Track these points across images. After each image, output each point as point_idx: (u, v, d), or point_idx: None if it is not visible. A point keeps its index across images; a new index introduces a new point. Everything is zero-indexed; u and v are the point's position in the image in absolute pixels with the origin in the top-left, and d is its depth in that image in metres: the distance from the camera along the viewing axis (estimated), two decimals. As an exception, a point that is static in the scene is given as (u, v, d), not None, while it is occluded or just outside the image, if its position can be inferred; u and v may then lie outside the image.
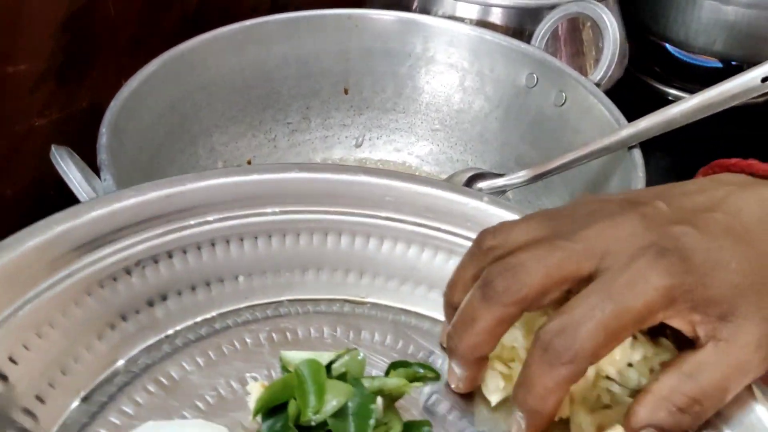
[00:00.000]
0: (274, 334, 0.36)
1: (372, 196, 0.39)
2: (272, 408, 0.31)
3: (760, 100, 0.80)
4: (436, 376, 0.34)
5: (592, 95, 0.58)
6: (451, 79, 0.67)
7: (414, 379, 0.34)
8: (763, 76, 0.50)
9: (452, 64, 0.66)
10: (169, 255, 0.37)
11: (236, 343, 0.36)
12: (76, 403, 0.32)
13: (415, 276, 0.39)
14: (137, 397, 0.33)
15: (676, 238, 0.30)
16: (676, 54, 0.90)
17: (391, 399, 0.32)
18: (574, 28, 0.67)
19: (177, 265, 0.37)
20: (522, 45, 0.63)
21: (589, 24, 0.67)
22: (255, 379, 0.34)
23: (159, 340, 0.36)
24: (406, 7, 0.70)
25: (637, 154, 0.52)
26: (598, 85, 0.59)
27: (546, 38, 0.63)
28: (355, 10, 0.66)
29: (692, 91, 0.86)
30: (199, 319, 0.37)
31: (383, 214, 0.40)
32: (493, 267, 0.31)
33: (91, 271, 0.35)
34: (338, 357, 0.33)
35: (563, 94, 0.60)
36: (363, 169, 0.41)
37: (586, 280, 0.30)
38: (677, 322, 0.30)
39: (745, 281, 0.30)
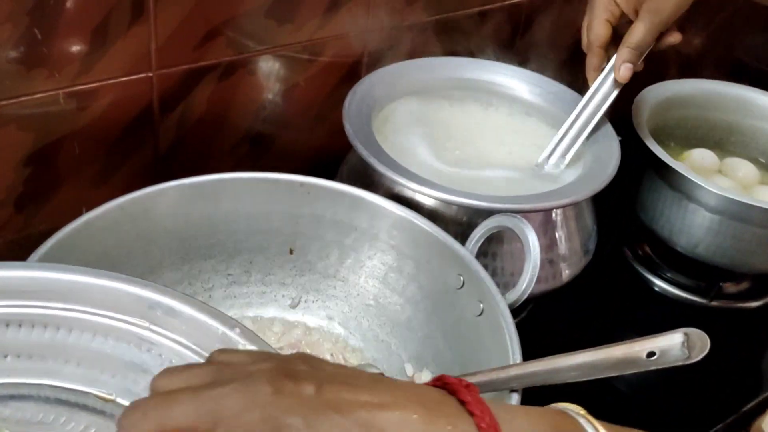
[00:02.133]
0: (17, 413, 0.39)
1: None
2: None
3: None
4: None
5: (501, 318, 0.57)
6: (391, 259, 0.67)
7: None
8: (649, 350, 0.48)
9: (393, 245, 0.67)
10: None
11: None
12: None
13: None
14: None
15: (279, 427, 0.30)
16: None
17: None
18: (513, 236, 0.66)
19: None
20: (456, 245, 0.63)
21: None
22: None
23: None
24: (373, 184, 0.71)
25: (515, 399, 0.51)
26: (511, 306, 0.59)
27: (479, 243, 0.63)
28: (308, 179, 0.68)
29: (679, 285, 0.87)
30: None
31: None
32: (132, 403, 0.33)
33: None
34: None
35: (481, 305, 0.60)
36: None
37: None
38: None
39: None
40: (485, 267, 0.63)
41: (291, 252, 0.70)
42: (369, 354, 0.67)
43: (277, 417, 0.30)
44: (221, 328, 0.44)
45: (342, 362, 0.66)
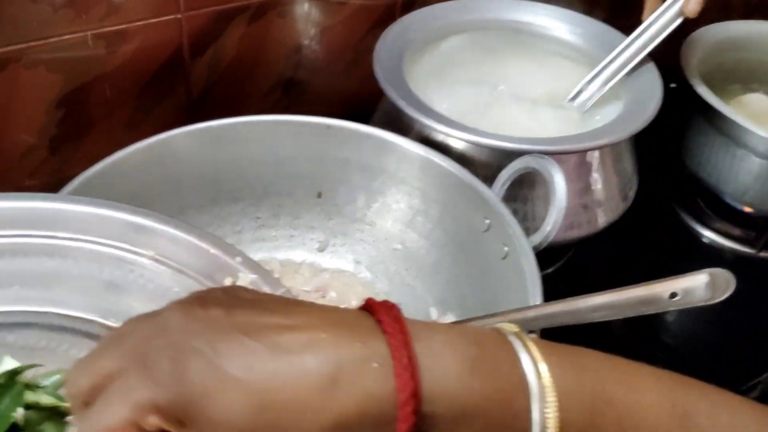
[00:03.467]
0: (21, 339, 0.40)
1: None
2: None
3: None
4: None
5: (525, 260, 0.56)
6: (417, 203, 0.66)
7: None
8: (671, 291, 0.47)
9: (420, 188, 0.66)
10: None
11: None
12: None
13: None
14: None
15: (183, 351, 0.30)
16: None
17: (59, 414, 0.37)
18: (542, 179, 0.64)
19: None
20: (481, 187, 0.62)
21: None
22: None
23: None
24: (405, 128, 0.70)
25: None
26: (536, 249, 0.57)
27: (507, 185, 0.62)
28: (335, 121, 0.67)
29: (725, 235, 0.83)
30: None
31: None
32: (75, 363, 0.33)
33: None
34: (24, 369, 0.38)
35: (505, 248, 0.59)
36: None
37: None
38: (170, 429, 0.30)
39: (228, 422, 0.29)
40: (515, 212, 0.62)
41: (319, 195, 0.69)
42: (395, 298, 0.67)
43: (182, 341, 0.30)
44: (223, 257, 0.44)
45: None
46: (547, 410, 0.32)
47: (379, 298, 0.66)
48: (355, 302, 0.66)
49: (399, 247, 0.68)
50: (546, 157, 0.59)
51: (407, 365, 0.30)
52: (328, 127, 0.67)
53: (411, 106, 0.67)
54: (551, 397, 0.32)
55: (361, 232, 0.69)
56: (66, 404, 0.37)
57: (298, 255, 0.70)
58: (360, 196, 0.69)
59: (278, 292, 0.45)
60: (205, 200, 0.67)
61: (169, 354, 0.30)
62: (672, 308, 0.47)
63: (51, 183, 0.68)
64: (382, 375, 0.30)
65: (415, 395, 0.30)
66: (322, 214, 0.70)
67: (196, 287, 0.44)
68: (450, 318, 0.62)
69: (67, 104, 0.66)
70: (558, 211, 0.57)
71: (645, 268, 0.80)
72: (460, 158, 0.66)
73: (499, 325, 0.35)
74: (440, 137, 0.68)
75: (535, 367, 0.32)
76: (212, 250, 0.45)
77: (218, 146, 0.66)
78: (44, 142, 0.66)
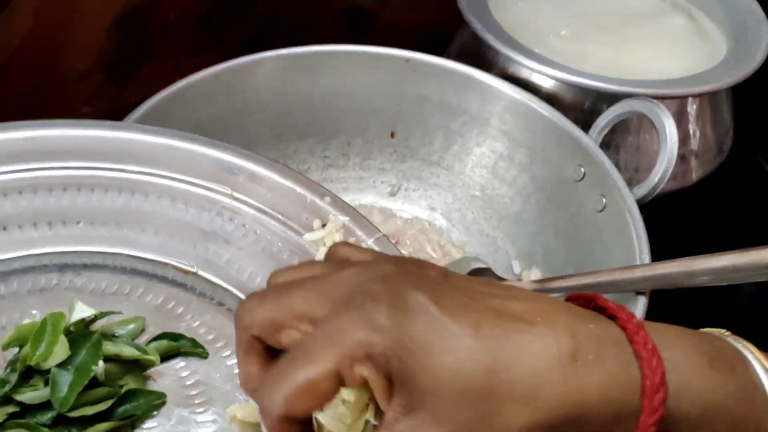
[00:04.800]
0: (91, 283, 0.37)
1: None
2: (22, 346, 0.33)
3: None
4: (203, 355, 0.35)
5: (628, 213, 0.51)
6: (501, 147, 0.61)
7: (176, 352, 0.35)
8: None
9: (506, 131, 0.61)
10: (19, 191, 0.38)
11: (45, 282, 0.36)
12: None
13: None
14: None
15: (403, 298, 0.26)
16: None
17: (140, 366, 0.34)
18: (645, 127, 0.59)
19: (23, 202, 0.38)
20: (577, 132, 0.56)
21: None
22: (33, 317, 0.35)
23: None
24: (486, 63, 0.64)
25: (642, 302, 0.46)
26: (640, 202, 0.52)
27: (605, 131, 0.56)
28: (414, 54, 0.61)
29: None
30: (32, 252, 0.37)
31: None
32: (247, 296, 0.30)
33: None
34: (101, 316, 0.35)
35: (604, 200, 0.54)
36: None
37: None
38: (375, 385, 0.26)
39: (453, 381, 0.25)
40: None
41: (392, 135, 0.64)
42: (472, 248, 0.62)
43: (402, 289, 0.26)
44: (310, 196, 0.39)
45: (443, 256, 0.62)
46: None
47: (456, 248, 0.63)
48: (432, 253, 0.61)
49: (478, 194, 0.63)
50: (654, 101, 0.53)
51: (652, 350, 0.26)
52: (407, 60, 0.62)
53: (497, 38, 0.62)
54: None
55: (436, 177, 0.64)
56: (149, 357, 0.33)
57: (367, 199, 0.65)
58: (437, 138, 0.63)
59: (372, 239, 0.40)
60: (270, 136, 0.63)
61: (388, 299, 0.26)
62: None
63: (109, 111, 0.64)
64: (624, 359, 0.26)
65: (664, 383, 0.26)
66: (395, 155, 0.65)
67: (280, 229, 0.40)
68: (536, 273, 0.57)
69: (126, 25, 0.61)
70: (668, 162, 0.51)
71: (736, 228, 0.74)
72: (548, 99, 0.60)
73: (708, 330, 0.31)
74: (527, 74, 0.63)
75: (764, 368, 0.28)
76: (298, 189, 0.41)
77: (288, 77, 0.61)
78: (101, 66, 0.62)
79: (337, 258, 0.31)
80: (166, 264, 0.39)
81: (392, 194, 0.65)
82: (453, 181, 0.64)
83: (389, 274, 0.27)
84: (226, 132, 0.60)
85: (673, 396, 0.26)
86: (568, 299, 0.30)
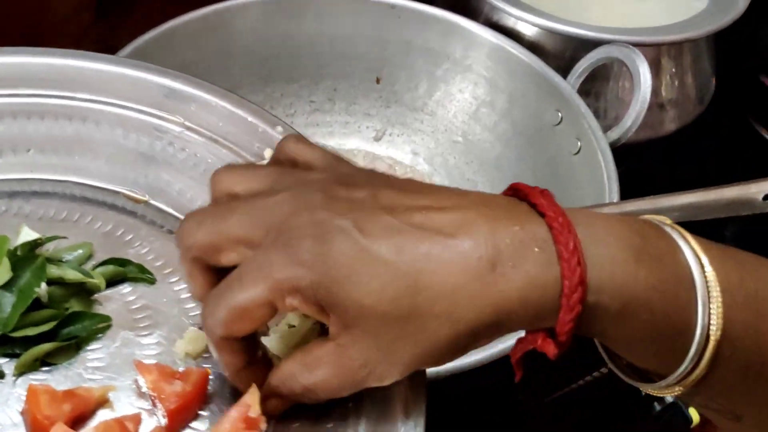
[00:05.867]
0: (39, 210, 0.37)
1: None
2: None
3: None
4: (150, 281, 0.35)
5: (601, 156, 0.52)
6: (483, 93, 0.63)
7: (123, 277, 0.35)
8: (766, 193, 0.43)
9: (487, 78, 0.62)
10: None
11: None
12: None
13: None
14: None
15: (327, 229, 0.27)
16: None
17: (85, 291, 0.35)
18: (625, 76, 0.60)
19: None
20: (556, 78, 0.58)
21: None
22: None
23: None
24: (471, 10, 0.65)
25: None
26: (613, 145, 0.53)
27: (583, 77, 0.57)
28: (400, 0, 0.62)
29: None
30: None
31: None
32: (189, 213, 0.31)
33: None
34: (47, 241, 0.35)
35: (578, 143, 0.55)
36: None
37: (258, 247, 0.29)
38: (308, 311, 0.28)
39: (377, 306, 0.27)
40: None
41: (377, 81, 0.66)
42: (453, 192, 0.64)
43: (326, 219, 0.28)
44: (261, 126, 0.40)
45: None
46: (712, 305, 0.29)
47: (437, 191, 0.64)
48: (412, 193, 0.63)
49: (460, 139, 0.64)
50: (631, 47, 0.54)
51: (573, 250, 0.27)
52: (392, 6, 0.63)
53: (481, -14, 0.63)
54: (715, 292, 0.29)
55: (420, 122, 0.66)
56: (93, 280, 0.35)
57: (352, 143, 0.67)
58: (421, 84, 0.65)
59: None
60: (256, 79, 0.64)
61: (312, 232, 0.27)
62: (766, 210, 0.44)
63: (98, 51, 0.65)
64: (545, 260, 0.27)
65: (582, 282, 0.27)
66: (380, 100, 0.66)
67: (232, 158, 0.40)
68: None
69: (115, -33, 0.62)
70: (641, 106, 0.53)
71: (716, 179, 0.75)
72: (530, 47, 0.61)
73: (649, 216, 0.31)
74: (511, 23, 0.63)
75: (697, 259, 0.29)
76: (250, 118, 0.40)
77: (273, 21, 0.62)
78: (89, 7, 0.63)
79: (284, 158, 0.33)
80: (117, 192, 0.38)
81: (377, 139, 0.67)
82: (436, 127, 0.65)
83: (315, 203, 0.28)
84: (211, 75, 0.60)
85: (593, 291, 0.27)
86: (506, 192, 0.31)
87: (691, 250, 0.29)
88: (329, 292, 0.27)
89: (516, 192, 0.30)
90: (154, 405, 0.31)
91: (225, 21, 0.60)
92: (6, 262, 0.33)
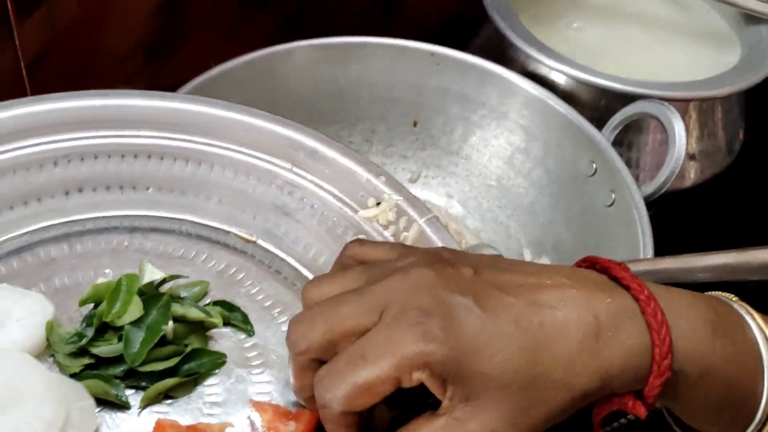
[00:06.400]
0: (159, 246, 0.39)
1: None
2: (98, 302, 0.36)
3: None
4: (249, 333, 0.37)
5: (635, 210, 0.54)
6: (518, 140, 0.64)
7: (228, 322, 0.38)
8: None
9: (523, 125, 0.64)
10: (95, 156, 0.40)
11: (117, 243, 0.39)
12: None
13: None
14: (12, 263, 0.38)
15: (451, 307, 0.29)
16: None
17: (203, 328, 0.37)
18: (658, 128, 0.61)
19: (98, 166, 0.40)
20: (591, 129, 0.59)
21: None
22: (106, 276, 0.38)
23: (63, 222, 0.40)
24: (507, 59, 0.67)
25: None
26: (647, 199, 0.55)
27: (618, 129, 0.59)
28: (438, 48, 0.64)
29: None
30: (104, 214, 0.40)
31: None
32: (293, 319, 0.32)
33: (21, 154, 0.40)
34: (171, 279, 0.38)
35: (613, 195, 0.57)
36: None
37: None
38: (431, 385, 0.30)
39: (502, 377, 0.29)
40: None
41: (414, 124, 0.67)
42: (486, 236, 0.65)
43: (447, 297, 0.30)
44: (366, 175, 0.42)
45: (458, 242, 0.65)
46: None
47: (471, 234, 0.66)
48: (447, 237, 0.64)
49: (494, 183, 0.66)
50: (665, 104, 0.56)
51: (661, 320, 0.30)
52: (431, 54, 0.65)
53: (518, 35, 0.65)
54: None
55: (455, 166, 0.67)
56: (213, 320, 0.37)
57: (388, 183, 0.68)
58: (457, 128, 0.66)
59: (423, 219, 0.42)
60: (299, 120, 0.65)
61: (438, 309, 0.29)
62: (800, 276, 0.45)
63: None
64: (638, 330, 0.30)
65: (671, 350, 0.30)
66: (417, 143, 0.68)
67: (336, 205, 0.42)
68: (545, 261, 0.60)
69: (168, 11, 0.64)
70: (675, 162, 0.54)
71: (745, 228, 0.76)
72: (565, 96, 0.63)
73: (717, 293, 0.34)
74: (545, 72, 0.65)
75: (763, 334, 0.32)
76: (356, 168, 0.42)
77: (317, 66, 0.64)
78: (141, 49, 0.65)
79: (362, 260, 0.34)
80: (228, 232, 0.41)
81: (412, 181, 0.68)
82: (470, 171, 0.67)
83: (430, 282, 0.30)
84: (257, 116, 0.63)
85: (678, 360, 0.30)
86: (580, 263, 0.34)
87: (758, 326, 0.32)
88: (459, 365, 0.29)
89: (593, 264, 0.33)
90: None
91: (271, 65, 0.62)
92: (138, 300, 0.35)
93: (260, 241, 0.41)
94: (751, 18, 0.69)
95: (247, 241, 0.41)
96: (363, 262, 0.34)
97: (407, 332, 0.29)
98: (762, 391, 0.32)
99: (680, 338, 0.31)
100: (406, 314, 0.29)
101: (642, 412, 0.31)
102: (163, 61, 0.67)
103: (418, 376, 0.29)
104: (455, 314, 0.29)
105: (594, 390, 0.30)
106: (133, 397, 0.34)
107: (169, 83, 0.68)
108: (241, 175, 0.42)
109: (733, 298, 0.34)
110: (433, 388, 0.29)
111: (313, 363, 0.31)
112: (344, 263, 0.35)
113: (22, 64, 0.61)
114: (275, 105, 0.64)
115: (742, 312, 0.33)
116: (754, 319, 0.33)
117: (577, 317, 0.30)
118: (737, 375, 0.32)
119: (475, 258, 0.33)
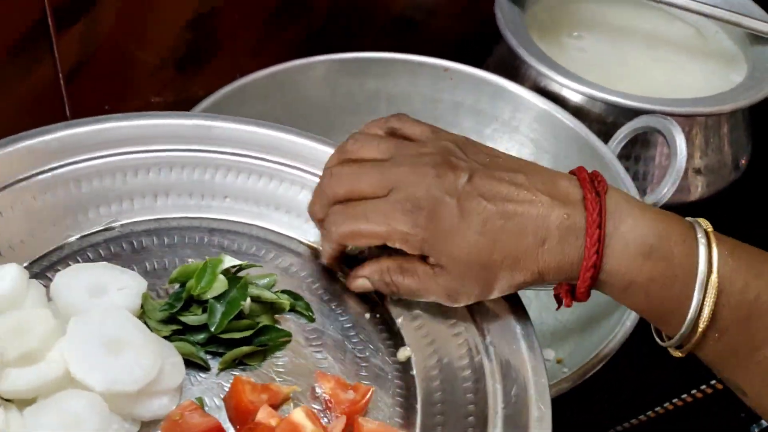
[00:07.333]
0: (233, 244, 0.46)
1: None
2: (183, 282, 0.42)
3: None
4: (311, 319, 0.44)
5: (636, 218, 0.56)
6: (528, 152, 0.67)
7: (293, 308, 0.44)
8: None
9: (533, 139, 0.66)
10: (182, 167, 0.48)
11: (198, 239, 0.46)
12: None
13: None
14: (111, 248, 0.45)
15: (438, 203, 0.39)
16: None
17: (273, 309, 0.43)
18: (660, 140, 0.64)
19: (183, 176, 0.48)
20: (597, 143, 0.62)
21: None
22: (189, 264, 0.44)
23: (152, 219, 0.47)
24: (520, 75, 0.70)
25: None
26: (648, 209, 0.57)
27: (623, 143, 0.61)
28: (453, 64, 0.67)
29: None
30: (187, 215, 0.47)
31: None
32: (332, 170, 0.43)
33: (121, 159, 0.47)
34: (247, 267, 0.44)
35: (617, 206, 0.59)
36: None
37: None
38: (410, 252, 0.40)
39: (463, 257, 0.39)
40: (626, 170, 0.61)
41: (429, 137, 0.70)
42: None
43: (437, 195, 0.39)
44: None
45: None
46: (706, 303, 0.38)
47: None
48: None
49: (504, 194, 0.68)
50: (669, 118, 0.58)
51: (595, 243, 0.38)
52: (446, 69, 0.68)
53: (530, 54, 0.67)
54: (711, 294, 0.37)
55: (467, 177, 0.70)
56: (283, 301, 0.43)
57: (403, 193, 0.71)
58: (470, 141, 0.69)
59: None
60: (319, 130, 0.68)
61: (428, 205, 0.39)
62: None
63: (175, 102, 0.71)
64: (577, 246, 0.39)
65: (595, 267, 0.38)
66: (431, 155, 0.71)
67: None
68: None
69: (197, 26, 0.68)
70: (677, 174, 0.56)
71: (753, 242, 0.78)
72: (575, 112, 0.66)
73: (692, 219, 0.40)
74: (556, 88, 0.68)
75: (709, 265, 0.38)
76: None
77: (336, 79, 0.67)
78: (172, 62, 0.69)
79: (402, 134, 0.44)
80: (292, 238, 0.47)
81: (426, 190, 0.71)
82: (482, 182, 0.69)
83: (430, 180, 0.39)
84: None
85: (606, 272, 0.39)
86: (573, 171, 0.41)
87: (707, 258, 0.38)
88: (433, 247, 0.39)
89: (580, 174, 0.41)
90: (327, 408, 0.39)
91: (292, 78, 0.66)
92: (222, 278, 0.42)
93: (319, 247, 0.46)
94: (757, 38, 0.71)
95: (309, 246, 0.47)
96: (401, 136, 0.43)
97: (401, 214, 0.39)
98: (688, 307, 0.38)
99: (611, 257, 0.38)
100: (405, 201, 0.39)
101: (568, 302, 0.41)
102: (192, 73, 0.71)
103: (399, 245, 0.40)
104: (439, 209, 0.39)
105: (531, 280, 0.40)
106: (212, 362, 0.41)
107: (198, 94, 0.72)
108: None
109: (708, 229, 0.39)
110: (411, 253, 0.40)
111: (330, 202, 0.42)
112: (388, 126, 0.45)
113: (60, 74, 0.65)
114: (297, 115, 0.68)
115: (701, 243, 0.38)
116: (709, 250, 0.38)
117: (533, 226, 0.39)
118: (660, 293, 0.38)
119: (481, 160, 0.41)
